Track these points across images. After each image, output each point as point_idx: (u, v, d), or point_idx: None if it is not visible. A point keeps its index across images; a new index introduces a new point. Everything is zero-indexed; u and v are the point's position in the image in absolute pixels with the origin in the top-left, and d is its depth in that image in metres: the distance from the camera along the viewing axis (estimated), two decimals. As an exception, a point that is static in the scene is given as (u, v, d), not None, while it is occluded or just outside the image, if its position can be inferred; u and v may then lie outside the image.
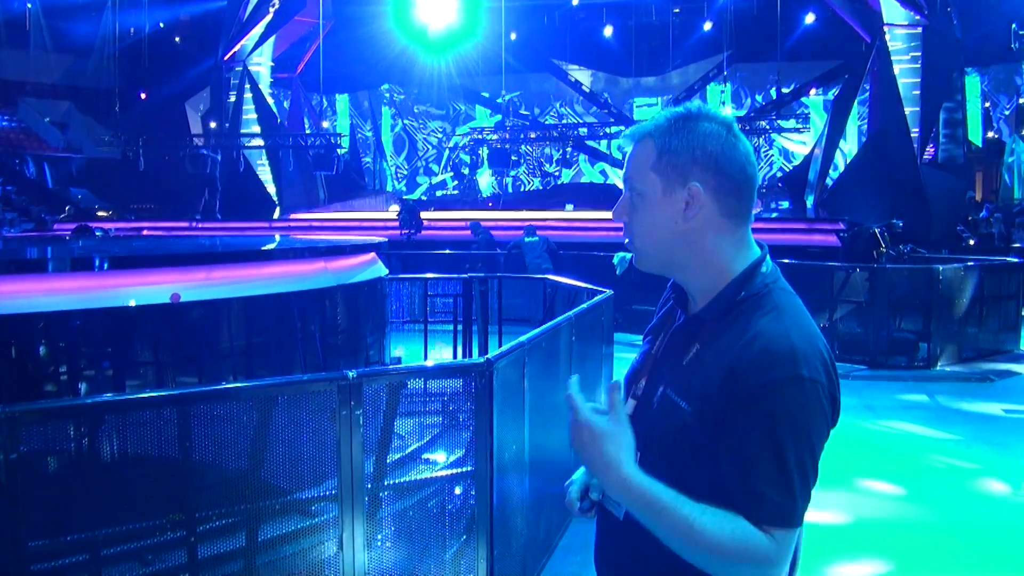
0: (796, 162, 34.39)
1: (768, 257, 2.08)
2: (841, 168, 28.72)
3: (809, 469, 1.88)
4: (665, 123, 2.04)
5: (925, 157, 24.55)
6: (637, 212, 2.08)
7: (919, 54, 24.39)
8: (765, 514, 1.85)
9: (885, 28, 24.60)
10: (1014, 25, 24.34)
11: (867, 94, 27.20)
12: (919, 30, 24.39)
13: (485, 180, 39.31)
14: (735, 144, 2.00)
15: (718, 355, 1.95)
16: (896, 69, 24.44)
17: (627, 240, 2.12)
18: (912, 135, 24.23)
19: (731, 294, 2.01)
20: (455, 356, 11.98)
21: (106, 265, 6.92)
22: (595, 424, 1.96)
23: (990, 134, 29.34)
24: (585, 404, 2.00)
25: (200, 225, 27.02)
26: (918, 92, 24.43)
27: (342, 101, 40.61)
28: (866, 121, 28.60)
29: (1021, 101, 28.60)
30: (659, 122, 2.06)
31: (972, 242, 22.11)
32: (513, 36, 33.62)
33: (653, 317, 2.30)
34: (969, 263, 14.44)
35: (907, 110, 24.31)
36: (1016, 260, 15.45)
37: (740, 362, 1.90)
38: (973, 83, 28.47)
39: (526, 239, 16.97)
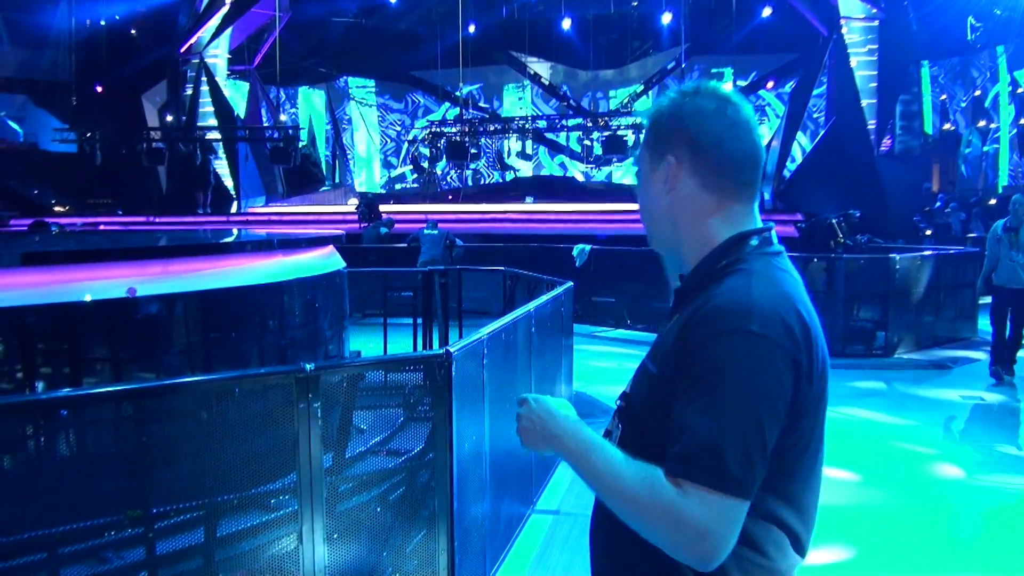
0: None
1: (769, 234, 2.03)
2: (799, 160, 28.94)
3: (749, 428, 1.74)
4: (666, 101, 2.05)
5: (882, 149, 24.82)
6: (639, 190, 2.11)
7: (876, 47, 24.67)
8: (692, 467, 1.73)
9: (842, 21, 24.85)
10: (971, 18, 24.62)
11: (824, 87, 27.42)
12: (876, 23, 24.66)
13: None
14: (725, 121, 1.96)
15: (682, 317, 1.92)
16: (853, 62, 24.70)
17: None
18: (869, 127, 24.49)
19: (709, 264, 1.96)
20: (415, 349, 11.95)
21: (61, 260, 6.85)
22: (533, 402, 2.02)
23: (947, 126, 29.62)
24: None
25: (158, 219, 26.80)
26: (875, 85, 24.72)
27: (302, 94, 40.31)
28: (823, 113, 28.84)
29: (976, 94, 28.86)
30: (661, 100, 2.06)
31: (928, 232, 22.34)
32: (472, 28, 33.59)
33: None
34: (926, 252, 14.60)
35: (864, 102, 24.59)
36: (973, 249, 15.64)
37: (693, 318, 1.86)
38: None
39: (426, 231, 16.81)
